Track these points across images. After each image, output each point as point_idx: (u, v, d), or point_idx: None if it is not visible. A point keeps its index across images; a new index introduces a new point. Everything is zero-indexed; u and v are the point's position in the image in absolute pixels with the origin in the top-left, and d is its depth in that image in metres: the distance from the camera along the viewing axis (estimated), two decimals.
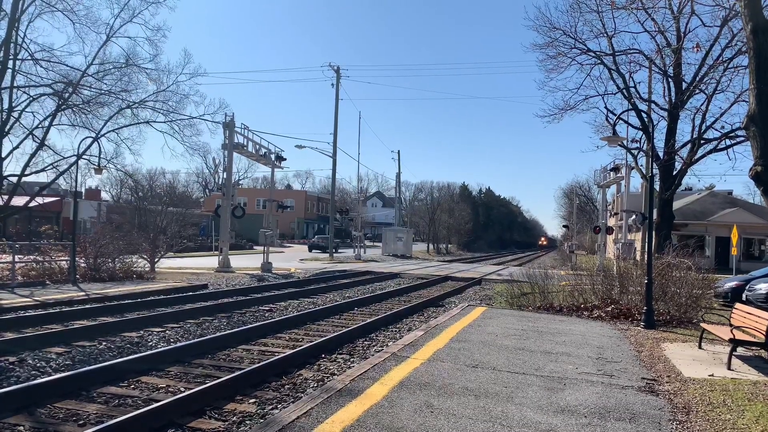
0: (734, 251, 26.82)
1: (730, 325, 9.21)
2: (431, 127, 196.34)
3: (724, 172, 63.34)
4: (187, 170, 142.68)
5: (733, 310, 9.82)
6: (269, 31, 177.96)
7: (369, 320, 12.31)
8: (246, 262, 31.45)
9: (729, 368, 8.21)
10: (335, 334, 10.49)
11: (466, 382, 6.79)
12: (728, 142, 25.04)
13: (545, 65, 26.80)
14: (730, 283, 17.72)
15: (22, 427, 5.55)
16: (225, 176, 29.02)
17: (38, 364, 7.92)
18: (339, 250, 49.19)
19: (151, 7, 22.00)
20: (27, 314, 11.59)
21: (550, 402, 6.15)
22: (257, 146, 28.28)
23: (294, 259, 38.55)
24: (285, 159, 29.64)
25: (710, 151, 25.77)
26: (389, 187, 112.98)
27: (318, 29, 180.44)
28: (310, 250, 51.96)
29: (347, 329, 10.99)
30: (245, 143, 27.11)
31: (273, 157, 29.18)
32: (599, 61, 26.31)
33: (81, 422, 5.74)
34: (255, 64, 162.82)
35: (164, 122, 23.56)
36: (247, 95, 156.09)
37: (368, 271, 28.43)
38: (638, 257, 25.92)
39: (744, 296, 16.01)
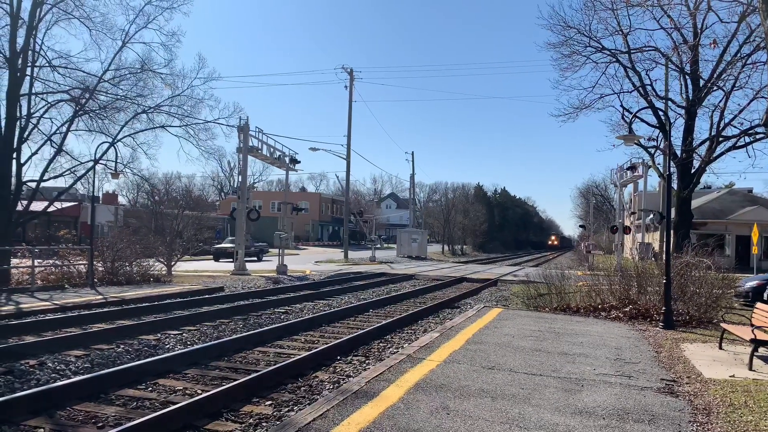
0: (755, 250, 26.39)
1: (752, 325, 9.04)
2: (445, 128, 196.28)
3: (743, 170, 62.50)
4: (202, 174, 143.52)
5: (755, 310, 9.64)
6: (282, 36, 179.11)
7: (384, 322, 12.29)
8: (261, 264, 31.61)
9: (750, 369, 8.07)
10: (350, 336, 10.48)
11: (482, 384, 6.75)
12: (747, 139, 24.70)
13: (560, 64, 26.72)
14: (751, 282, 17.41)
15: (42, 430, 5.62)
16: (240, 179, 29.21)
17: (57, 367, 8.02)
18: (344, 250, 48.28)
19: (165, 13, 22.16)
20: (46, 318, 11.75)
21: (568, 403, 6.08)
22: (271, 149, 28.42)
23: (309, 262, 38.67)
24: (299, 161, 29.79)
25: (729, 149, 25.42)
26: (403, 188, 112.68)
27: (330, 33, 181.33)
28: (216, 260, 36.74)
29: (362, 331, 10.99)
30: (260, 146, 27.26)
31: (287, 159, 29.32)
32: (614, 59, 26.12)
33: (100, 424, 5.80)
34: (268, 68, 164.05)
35: (179, 126, 23.73)
36: (261, 99, 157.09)
37: (383, 273, 28.42)
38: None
39: (765, 296, 15.72)
